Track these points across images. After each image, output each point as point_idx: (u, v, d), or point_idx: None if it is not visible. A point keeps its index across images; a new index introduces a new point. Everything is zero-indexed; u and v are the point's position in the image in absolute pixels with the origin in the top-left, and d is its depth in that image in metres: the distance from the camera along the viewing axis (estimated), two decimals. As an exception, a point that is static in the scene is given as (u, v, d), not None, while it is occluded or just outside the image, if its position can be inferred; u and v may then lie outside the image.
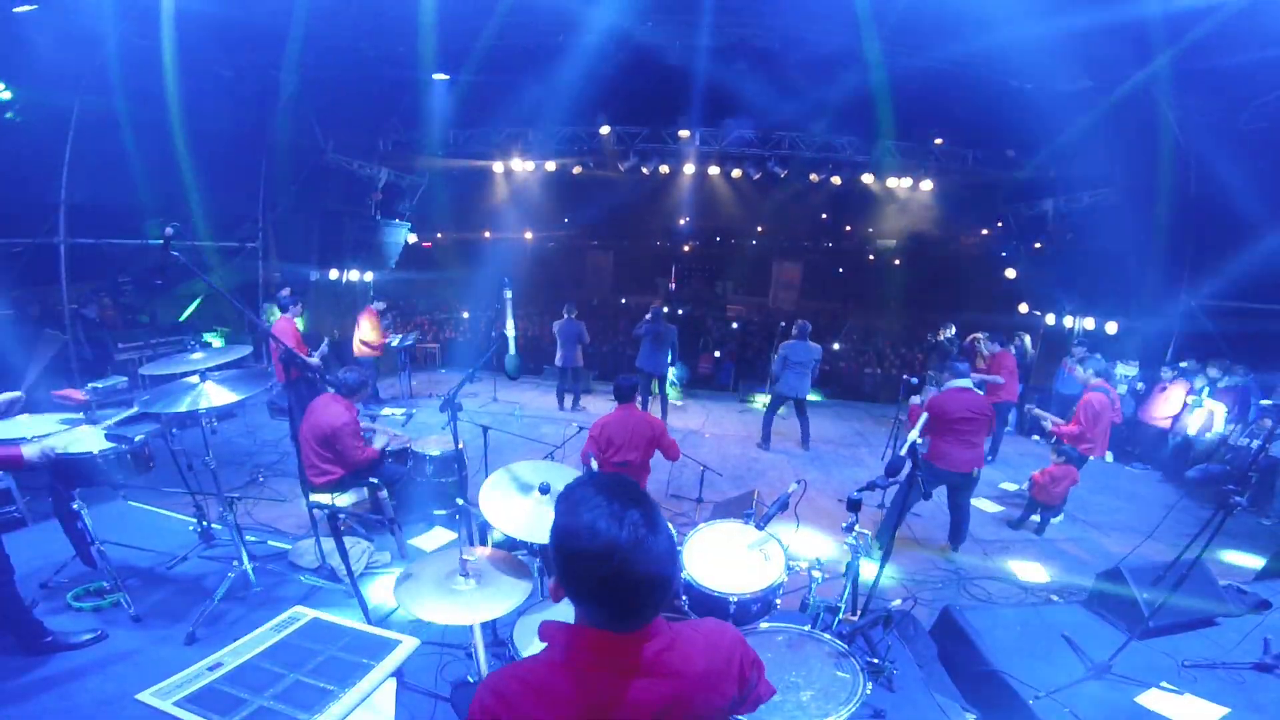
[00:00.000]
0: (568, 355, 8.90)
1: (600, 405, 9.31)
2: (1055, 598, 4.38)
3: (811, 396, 7.90)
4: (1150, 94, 7.57)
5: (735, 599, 2.67)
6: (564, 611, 1.18)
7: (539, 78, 9.18)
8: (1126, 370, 8.40)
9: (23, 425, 3.31)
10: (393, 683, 2.05)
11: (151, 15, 6.47)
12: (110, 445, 3.29)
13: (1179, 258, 8.39)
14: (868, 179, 11.18)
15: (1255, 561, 4.92)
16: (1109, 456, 7.72)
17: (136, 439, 3.42)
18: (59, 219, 6.94)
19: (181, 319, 9.37)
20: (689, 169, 11.30)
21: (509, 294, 7.58)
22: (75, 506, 3.19)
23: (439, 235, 15.92)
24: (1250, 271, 7.17)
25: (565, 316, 8.94)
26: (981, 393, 5.13)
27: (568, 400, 9.19)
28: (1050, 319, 10.60)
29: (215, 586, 3.33)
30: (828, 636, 2.46)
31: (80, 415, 3.61)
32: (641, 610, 1.07)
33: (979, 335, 8.00)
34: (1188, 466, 7.31)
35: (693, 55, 8.75)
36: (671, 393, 9.36)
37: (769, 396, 8.07)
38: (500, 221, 16.27)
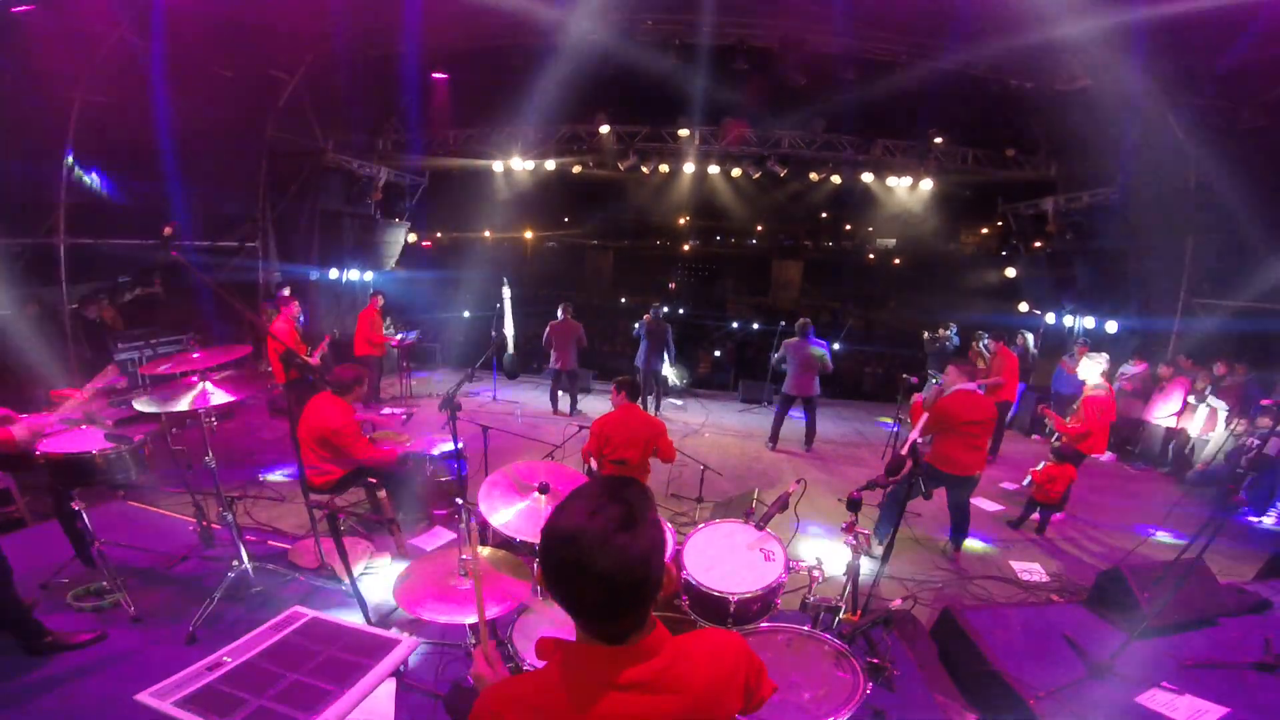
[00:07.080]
0: (565, 356, 8.68)
1: (596, 405, 9.29)
2: (1055, 597, 4.38)
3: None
4: (1150, 93, 7.56)
5: (735, 599, 2.67)
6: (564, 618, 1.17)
7: (539, 77, 9.17)
8: (1122, 369, 8.37)
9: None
10: (392, 683, 2.05)
11: (151, 14, 6.46)
12: (110, 445, 3.29)
13: (1179, 257, 8.38)
14: (868, 178, 11.17)
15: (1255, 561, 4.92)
16: (1106, 455, 7.71)
17: (136, 439, 3.42)
18: (59, 219, 6.94)
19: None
20: (689, 168, 11.29)
21: (508, 293, 7.55)
22: (75, 506, 3.19)
23: (439, 235, 15.92)
24: (1250, 270, 7.16)
25: (561, 316, 8.66)
26: (983, 392, 5.14)
27: (564, 402, 9.01)
28: (1050, 318, 10.60)
29: (215, 586, 3.33)
30: (828, 636, 2.45)
31: (80, 415, 3.60)
32: (609, 613, 1.03)
33: (981, 336, 8.00)
34: (1188, 465, 7.31)
35: (693, 55, 8.73)
36: (674, 378, 9.22)
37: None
38: (500, 221, 16.24)
